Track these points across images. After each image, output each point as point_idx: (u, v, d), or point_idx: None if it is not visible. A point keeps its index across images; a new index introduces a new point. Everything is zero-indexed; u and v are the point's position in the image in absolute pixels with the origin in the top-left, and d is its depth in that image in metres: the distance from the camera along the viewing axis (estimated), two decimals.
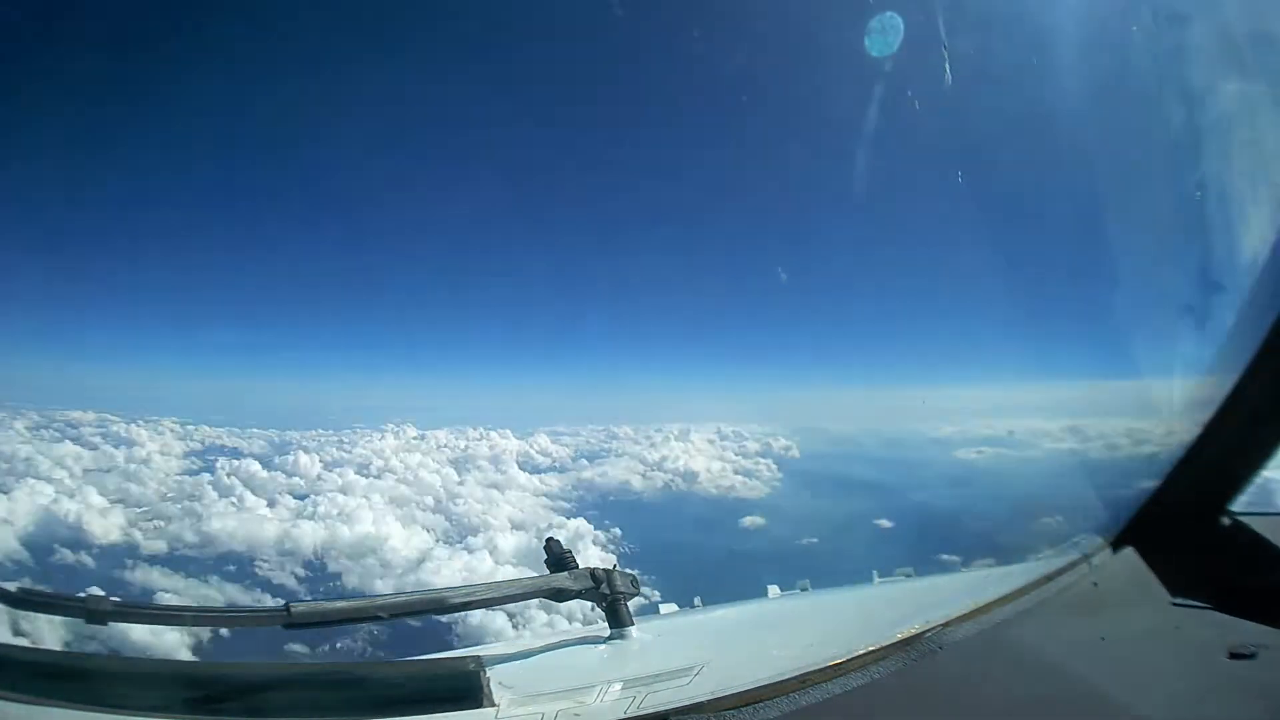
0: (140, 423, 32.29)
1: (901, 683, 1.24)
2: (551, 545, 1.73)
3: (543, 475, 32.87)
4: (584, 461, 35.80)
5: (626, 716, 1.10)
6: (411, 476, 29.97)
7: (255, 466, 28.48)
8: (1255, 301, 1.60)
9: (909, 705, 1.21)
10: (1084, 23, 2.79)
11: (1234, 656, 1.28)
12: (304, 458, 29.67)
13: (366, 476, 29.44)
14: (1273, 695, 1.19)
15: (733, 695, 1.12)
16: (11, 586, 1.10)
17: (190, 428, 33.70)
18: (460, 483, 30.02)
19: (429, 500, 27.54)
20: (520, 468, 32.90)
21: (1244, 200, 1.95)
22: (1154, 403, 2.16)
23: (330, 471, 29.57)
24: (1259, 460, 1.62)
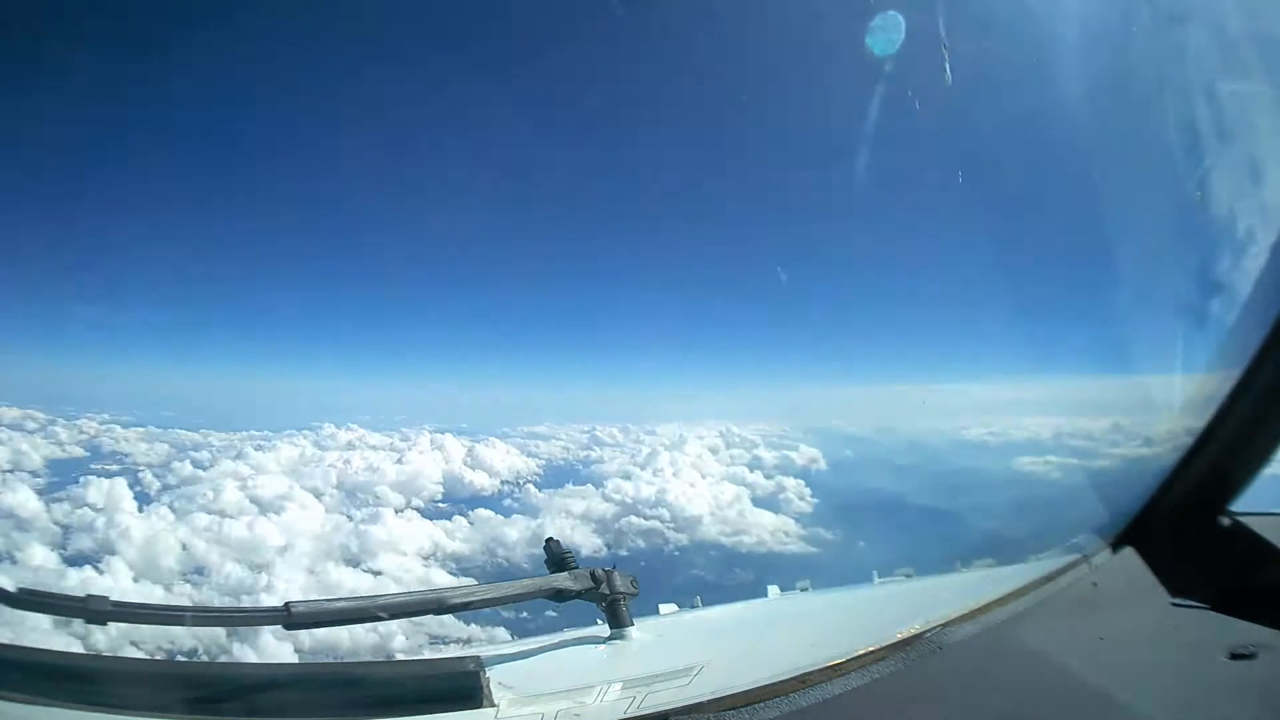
0: (60, 421, 29.61)
1: (901, 683, 1.23)
2: (551, 545, 1.73)
3: (450, 521, 23.78)
4: (533, 490, 27.28)
5: (626, 717, 1.10)
6: (217, 529, 20.20)
7: (27, 494, 21.31)
8: (1255, 301, 1.60)
9: (909, 705, 1.21)
10: (1085, 23, 2.79)
11: (1234, 657, 1.28)
12: (93, 490, 21.56)
13: (181, 518, 20.94)
14: (1273, 696, 1.19)
15: (733, 695, 1.12)
16: (11, 587, 1.10)
17: (104, 427, 30.90)
18: (286, 548, 20.16)
19: (226, 576, 18.68)
20: (425, 512, 24.53)
21: (1244, 200, 1.95)
22: (1154, 403, 2.16)
23: (146, 507, 21.47)
24: (1259, 460, 1.62)
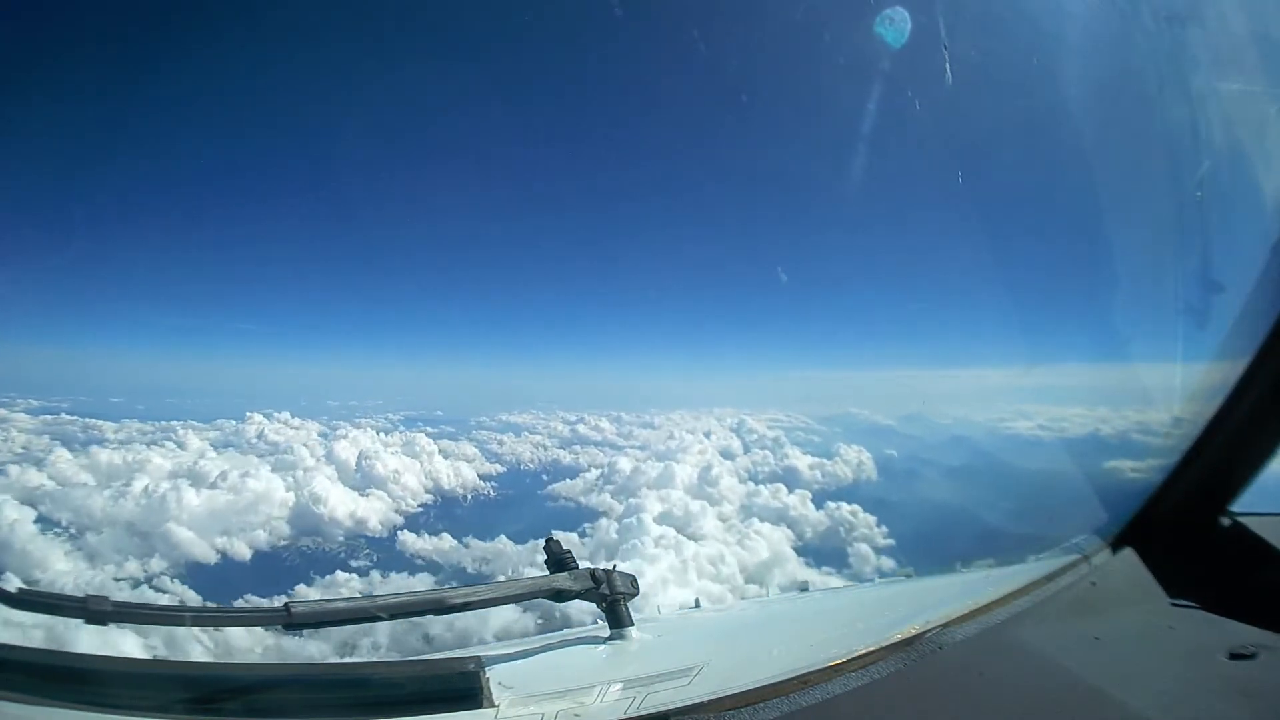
0: None
1: (901, 683, 1.23)
2: (551, 545, 1.73)
3: None
4: (409, 542, 17.40)
5: (626, 717, 1.10)
6: None
7: None
8: (1255, 302, 1.60)
9: (909, 705, 1.21)
10: (1086, 23, 2.79)
11: (1234, 657, 1.28)
12: None
13: None
14: (1272, 696, 1.19)
15: (733, 695, 1.12)
16: (11, 587, 1.10)
17: (13, 415, 29.31)
18: None
19: None
20: (228, 571, 16.06)
21: (1244, 200, 1.95)
22: (1153, 404, 2.16)
23: None
24: (1259, 460, 1.62)
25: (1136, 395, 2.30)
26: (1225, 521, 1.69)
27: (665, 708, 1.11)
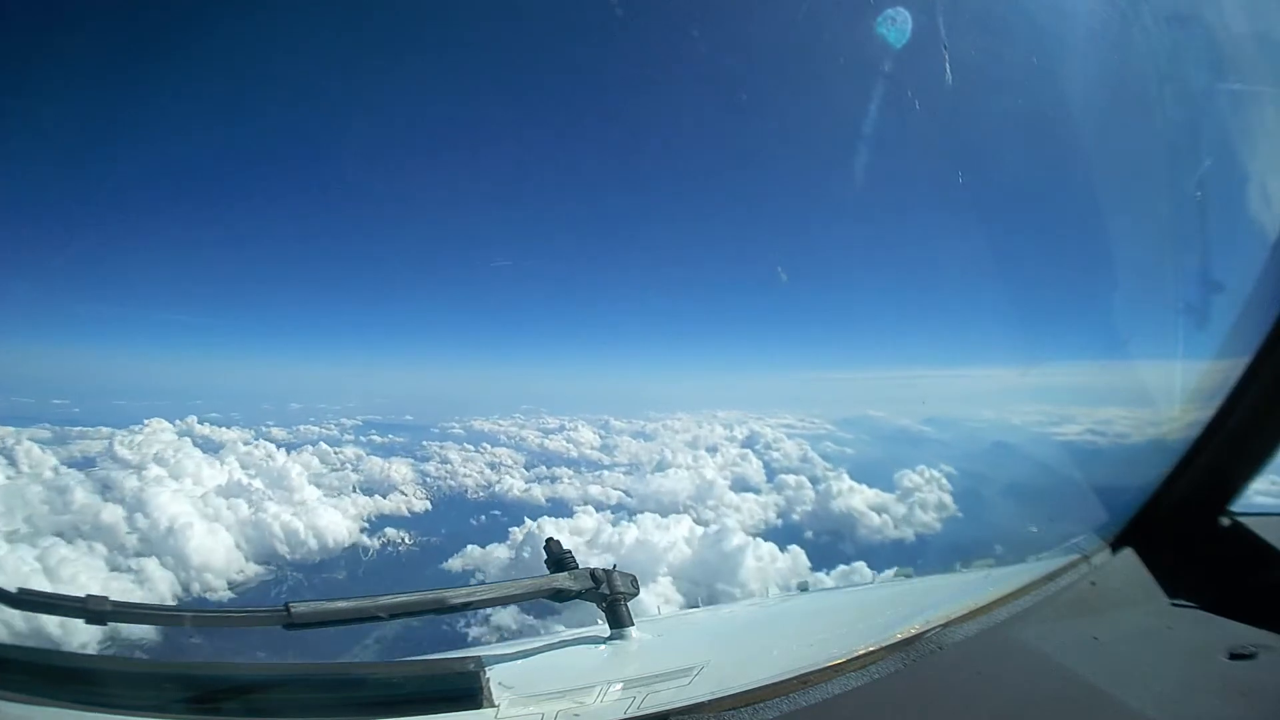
0: None
1: (901, 683, 1.24)
2: (551, 545, 1.73)
3: None
4: None
5: (626, 717, 1.10)
6: None
7: None
8: (1255, 302, 1.60)
9: (909, 705, 1.21)
10: (1086, 23, 2.79)
11: (1234, 657, 1.29)
12: None
13: None
14: (1273, 696, 1.19)
15: (733, 695, 1.12)
16: (11, 587, 1.09)
17: None
18: None
19: None
20: None
21: (1244, 200, 1.95)
22: (1153, 404, 2.16)
23: None
24: (1259, 460, 1.62)
25: (1136, 395, 2.30)
26: (1225, 521, 1.69)
27: (665, 708, 1.11)
